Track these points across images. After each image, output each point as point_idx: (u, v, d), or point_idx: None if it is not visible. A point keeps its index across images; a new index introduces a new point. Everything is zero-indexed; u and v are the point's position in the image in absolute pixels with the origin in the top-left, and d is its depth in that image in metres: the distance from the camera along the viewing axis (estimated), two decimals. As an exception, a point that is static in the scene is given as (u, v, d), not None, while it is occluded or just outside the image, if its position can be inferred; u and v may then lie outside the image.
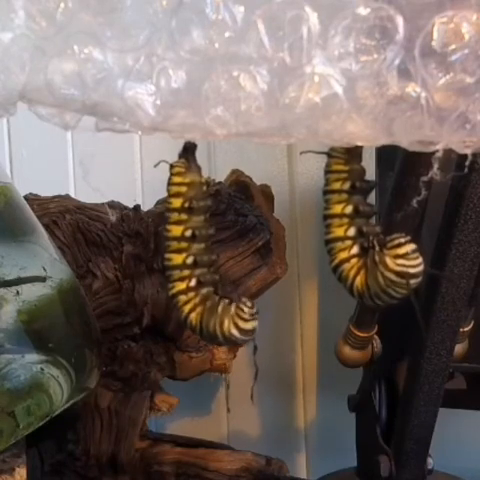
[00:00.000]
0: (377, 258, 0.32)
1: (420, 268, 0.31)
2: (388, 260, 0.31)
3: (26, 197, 0.51)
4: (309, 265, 0.70)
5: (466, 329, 0.48)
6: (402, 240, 0.31)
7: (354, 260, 0.33)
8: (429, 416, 0.48)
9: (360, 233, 0.33)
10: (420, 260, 0.31)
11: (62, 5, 0.24)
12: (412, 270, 0.31)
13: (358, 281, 0.33)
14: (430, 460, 0.51)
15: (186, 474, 0.54)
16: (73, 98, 0.25)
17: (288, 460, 0.57)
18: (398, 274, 0.31)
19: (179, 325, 0.55)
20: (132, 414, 0.54)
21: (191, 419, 0.71)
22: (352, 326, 0.47)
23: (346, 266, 0.33)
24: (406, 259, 0.31)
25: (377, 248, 0.32)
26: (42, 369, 0.40)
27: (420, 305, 0.45)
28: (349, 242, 0.33)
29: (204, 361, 0.55)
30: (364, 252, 0.33)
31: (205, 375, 0.56)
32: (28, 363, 0.40)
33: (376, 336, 0.48)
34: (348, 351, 0.48)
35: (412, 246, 0.31)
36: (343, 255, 0.33)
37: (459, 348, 0.48)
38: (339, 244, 0.33)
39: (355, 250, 0.33)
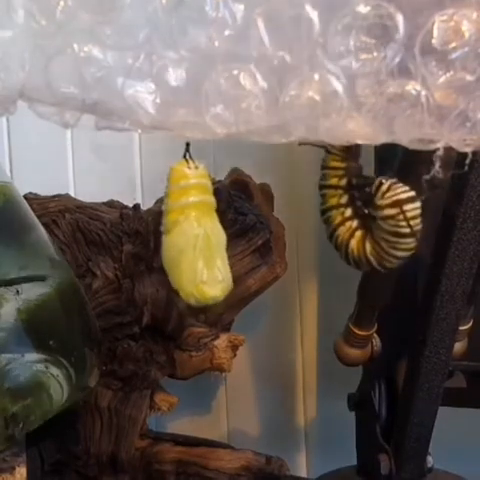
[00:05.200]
0: (372, 210, 0.32)
1: (410, 193, 0.32)
2: (378, 201, 0.32)
3: (26, 196, 0.51)
4: (309, 264, 0.70)
5: (465, 327, 0.48)
6: (382, 180, 0.32)
7: (358, 233, 0.33)
8: (429, 414, 0.48)
9: (356, 211, 0.34)
10: (406, 187, 0.32)
11: (62, 3, 0.24)
12: (402, 195, 0.32)
13: (369, 248, 0.33)
14: (430, 458, 0.51)
15: (186, 473, 0.54)
16: (73, 96, 0.25)
17: (288, 459, 0.57)
18: (391, 205, 0.32)
19: (179, 324, 0.55)
20: (132, 413, 0.54)
21: (191, 418, 0.71)
22: (352, 325, 0.47)
23: (353, 244, 0.33)
24: (392, 190, 0.32)
25: (369, 206, 0.33)
26: (42, 368, 0.40)
27: (414, 305, 0.46)
28: (349, 223, 0.34)
29: (204, 360, 0.55)
30: (363, 223, 0.34)
31: (205, 374, 0.56)
32: (28, 362, 0.40)
33: (376, 335, 0.48)
34: (348, 350, 0.47)
35: (392, 180, 0.32)
36: (347, 235, 0.33)
37: (458, 346, 0.48)
38: (342, 229, 0.34)
39: (355, 224, 0.33)
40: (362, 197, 0.33)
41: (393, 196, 0.32)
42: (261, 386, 0.72)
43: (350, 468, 0.56)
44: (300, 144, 0.29)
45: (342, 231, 0.34)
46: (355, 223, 0.34)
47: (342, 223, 0.34)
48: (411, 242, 0.33)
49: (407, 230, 0.32)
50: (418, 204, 0.32)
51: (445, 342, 0.45)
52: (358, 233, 0.33)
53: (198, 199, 0.32)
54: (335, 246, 0.34)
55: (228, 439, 0.71)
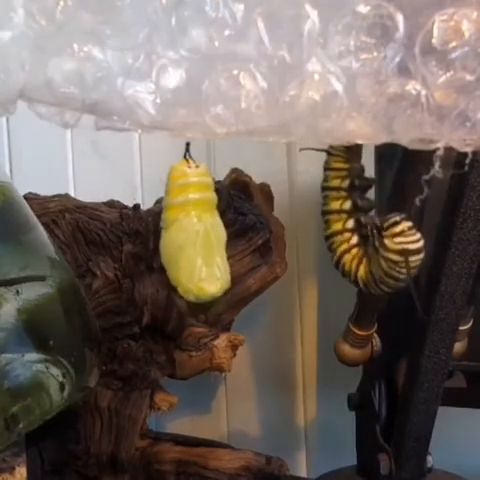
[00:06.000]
0: (377, 243, 0.32)
1: (419, 244, 0.31)
2: (387, 241, 0.31)
3: (26, 196, 0.51)
4: (309, 264, 0.70)
5: (465, 327, 0.48)
6: (398, 218, 0.31)
7: (354, 250, 0.33)
8: (429, 414, 0.48)
9: (359, 224, 0.33)
10: (418, 236, 0.31)
11: (62, 3, 0.24)
12: (411, 246, 0.31)
13: (362, 270, 0.33)
14: (429, 458, 0.51)
15: (186, 473, 0.54)
16: (73, 97, 0.25)
17: (288, 459, 0.57)
18: (399, 252, 0.31)
19: (179, 324, 0.55)
20: (132, 413, 0.54)
21: (191, 418, 0.71)
22: (352, 325, 0.47)
23: (347, 257, 0.33)
24: (404, 236, 0.31)
25: (375, 234, 0.32)
26: (42, 368, 0.40)
27: (414, 304, 0.45)
28: (348, 234, 0.33)
29: (204, 360, 0.55)
30: (364, 242, 0.33)
31: (205, 374, 0.56)
32: (28, 362, 0.40)
33: (376, 335, 0.48)
34: (348, 350, 0.47)
35: (408, 223, 0.31)
36: (343, 247, 0.33)
37: (459, 346, 0.48)
38: (338, 237, 0.33)
39: (354, 240, 0.33)
40: (367, 222, 0.33)
41: (402, 243, 0.31)
42: (261, 386, 0.72)
43: (350, 468, 0.56)
44: (301, 150, 0.29)
45: (339, 240, 0.33)
46: (355, 239, 0.33)
47: (341, 233, 0.33)
48: (402, 285, 0.33)
49: (404, 276, 0.32)
50: (422, 255, 0.32)
51: (445, 342, 0.45)
52: (355, 250, 0.33)
53: (198, 196, 0.32)
54: (329, 248, 0.34)
55: (228, 439, 0.71)
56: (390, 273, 0.32)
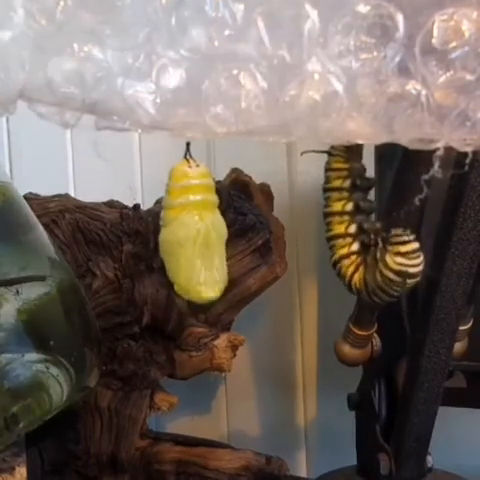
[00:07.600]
0: (378, 255, 0.32)
1: (419, 268, 0.31)
2: (388, 258, 0.31)
3: (26, 196, 0.51)
4: (309, 264, 0.70)
5: (465, 327, 0.48)
6: (406, 238, 0.31)
7: (353, 257, 0.33)
8: (429, 414, 0.48)
9: (360, 230, 0.33)
10: (420, 260, 0.31)
11: (62, 3, 0.24)
12: (411, 270, 0.31)
13: (356, 278, 0.33)
14: (429, 458, 0.51)
15: (186, 473, 0.54)
16: (73, 96, 0.25)
17: (288, 458, 0.57)
18: (397, 273, 0.31)
19: (179, 324, 0.55)
20: (132, 413, 0.54)
21: (191, 418, 0.71)
22: (352, 325, 0.47)
23: (345, 262, 0.33)
24: (407, 258, 0.31)
25: (380, 245, 0.32)
26: (42, 368, 0.40)
27: (413, 304, 0.46)
28: (349, 239, 0.33)
29: (204, 360, 0.55)
30: (364, 249, 0.33)
31: (205, 374, 0.56)
32: (28, 362, 0.40)
33: (376, 334, 0.48)
34: (348, 349, 0.47)
35: (414, 245, 0.31)
36: (343, 251, 0.33)
37: (458, 346, 0.48)
38: (340, 241, 0.33)
39: (355, 247, 0.33)
40: (370, 229, 0.33)
41: (403, 265, 0.31)
42: (261, 386, 0.72)
43: (350, 468, 0.56)
44: (302, 153, 0.29)
45: (340, 244, 0.33)
46: (355, 246, 0.33)
47: (343, 236, 0.33)
48: (394, 300, 0.33)
49: (397, 294, 0.32)
50: (419, 278, 0.32)
51: (445, 342, 0.45)
52: (353, 257, 0.33)
53: (199, 197, 0.33)
54: (338, 274, 0.34)
55: (228, 439, 0.71)
56: (384, 288, 0.32)
